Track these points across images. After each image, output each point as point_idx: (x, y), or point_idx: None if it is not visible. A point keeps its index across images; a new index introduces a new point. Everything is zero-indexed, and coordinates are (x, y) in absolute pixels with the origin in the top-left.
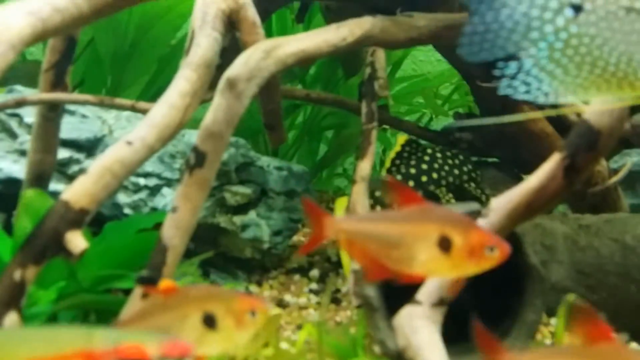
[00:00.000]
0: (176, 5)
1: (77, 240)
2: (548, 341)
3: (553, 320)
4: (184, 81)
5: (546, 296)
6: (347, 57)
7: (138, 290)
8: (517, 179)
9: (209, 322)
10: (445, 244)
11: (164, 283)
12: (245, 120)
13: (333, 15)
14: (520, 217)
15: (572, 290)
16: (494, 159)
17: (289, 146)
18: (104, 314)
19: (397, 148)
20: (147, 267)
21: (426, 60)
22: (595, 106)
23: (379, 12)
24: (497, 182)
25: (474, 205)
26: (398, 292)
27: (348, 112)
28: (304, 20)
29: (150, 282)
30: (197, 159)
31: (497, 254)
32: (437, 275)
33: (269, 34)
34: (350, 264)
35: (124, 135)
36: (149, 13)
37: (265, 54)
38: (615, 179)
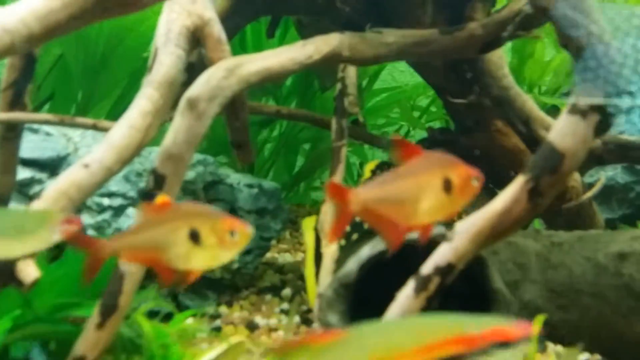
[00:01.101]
0: (147, 18)
1: (28, 270)
2: None
3: None
4: (145, 100)
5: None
6: (323, 70)
7: (94, 319)
8: (492, 194)
9: (194, 238)
10: (447, 186)
11: (160, 198)
12: (220, 135)
13: (306, 30)
14: (485, 241)
15: (545, 310)
16: None
17: (265, 160)
18: (64, 343)
19: (367, 175)
20: (103, 295)
21: (406, 71)
22: (559, 125)
23: (350, 27)
24: None
25: (439, 228)
26: (366, 317)
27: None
28: (274, 35)
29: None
30: (156, 181)
31: (478, 183)
32: (441, 217)
33: (243, 47)
34: (315, 289)
35: (89, 154)
36: (119, 27)
37: (228, 72)
38: (589, 194)
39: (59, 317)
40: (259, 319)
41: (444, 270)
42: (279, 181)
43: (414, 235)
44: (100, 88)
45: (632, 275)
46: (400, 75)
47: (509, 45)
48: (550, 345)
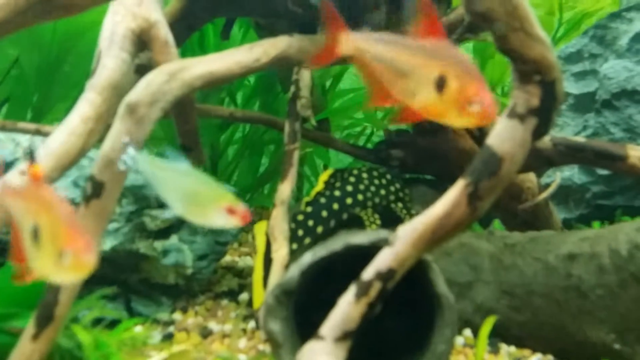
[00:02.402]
0: (101, 20)
1: None
2: None
3: None
4: (87, 105)
5: (456, 326)
6: (284, 72)
7: (29, 331)
8: None
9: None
10: (441, 84)
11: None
12: None
13: (264, 32)
14: (426, 245)
15: (498, 312)
16: (428, 176)
17: (229, 162)
18: (4, 355)
19: (321, 186)
20: (39, 306)
21: None
22: (498, 129)
23: (306, 29)
24: (428, 200)
25: (382, 233)
26: (311, 326)
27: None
28: (229, 37)
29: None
30: (94, 189)
31: (479, 113)
32: (427, 115)
33: (203, 49)
34: (262, 294)
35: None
36: (73, 29)
37: (169, 76)
38: (544, 195)
39: None
40: (213, 325)
41: (385, 276)
42: (243, 183)
43: (359, 240)
44: (57, 90)
45: (581, 277)
46: None
47: (470, 46)
48: (503, 346)
